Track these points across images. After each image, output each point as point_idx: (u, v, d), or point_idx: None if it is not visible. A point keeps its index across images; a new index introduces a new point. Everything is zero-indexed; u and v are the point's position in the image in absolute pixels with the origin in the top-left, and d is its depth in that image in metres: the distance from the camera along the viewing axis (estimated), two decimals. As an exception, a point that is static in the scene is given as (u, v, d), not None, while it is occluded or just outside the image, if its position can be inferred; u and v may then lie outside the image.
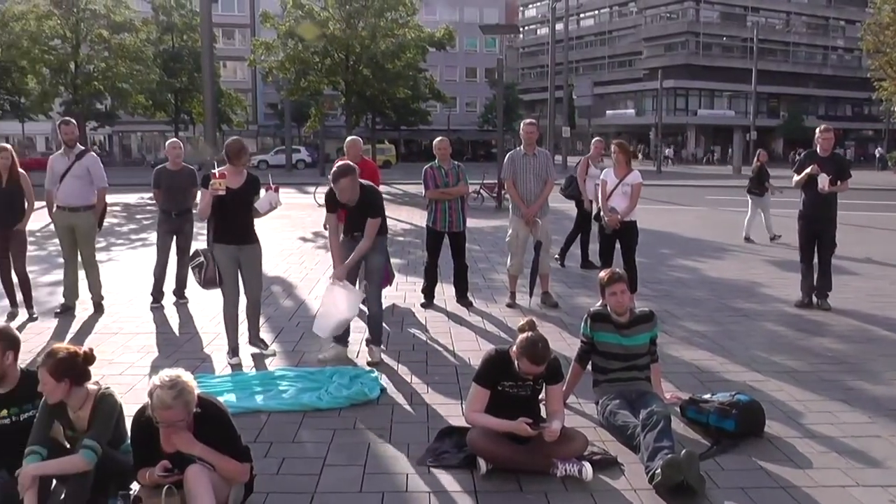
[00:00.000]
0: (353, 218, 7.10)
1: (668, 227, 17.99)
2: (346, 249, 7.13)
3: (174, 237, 9.65)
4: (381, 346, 7.26)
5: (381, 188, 7.82)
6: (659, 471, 4.38)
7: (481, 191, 24.98)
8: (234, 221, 7.04)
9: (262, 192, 7.19)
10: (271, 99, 66.86)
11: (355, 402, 5.92)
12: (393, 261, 10.46)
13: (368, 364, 6.92)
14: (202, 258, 6.99)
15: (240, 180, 7.02)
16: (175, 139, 10.15)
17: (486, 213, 21.51)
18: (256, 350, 7.35)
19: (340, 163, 7.07)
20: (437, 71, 63.19)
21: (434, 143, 9.38)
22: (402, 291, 10.21)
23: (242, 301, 7.23)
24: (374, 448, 5.14)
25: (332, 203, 7.11)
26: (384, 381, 6.44)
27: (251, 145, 68.41)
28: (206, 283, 7.03)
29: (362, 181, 6.98)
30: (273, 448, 5.16)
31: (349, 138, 9.67)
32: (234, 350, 7.16)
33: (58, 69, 40.19)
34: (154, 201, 10.12)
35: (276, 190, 7.25)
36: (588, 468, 4.60)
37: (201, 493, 3.70)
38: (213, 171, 6.90)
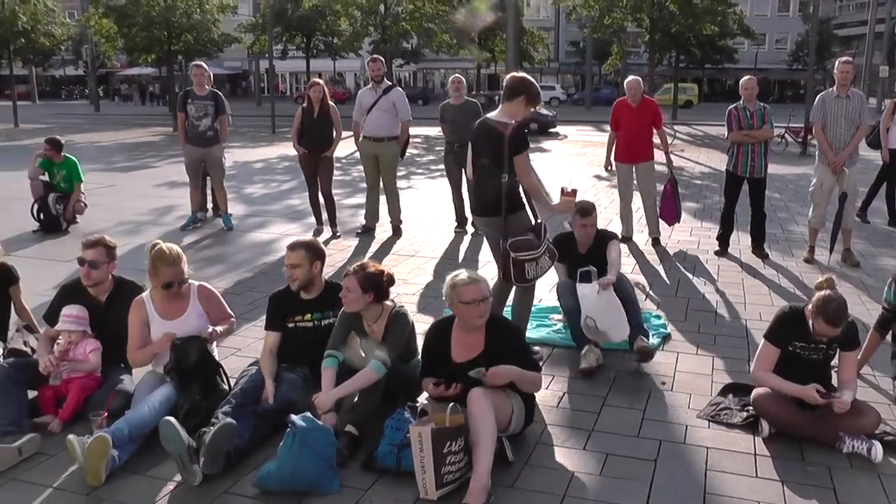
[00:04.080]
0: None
1: None
2: None
3: (461, 168, 9.93)
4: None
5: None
6: None
7: (786, 135, 23.34)
8: None
9: None
10: (573, 37, 66.41)
11: (620, 349, 5.76)
12: (688, 204, 10.11)
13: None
14: (544, 249, 5.26)
15: None
16: (457, 75, 10.40)
17: (790, 158, 20.10)
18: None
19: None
20: (748, 5, 59.09)
21: (741, 82, 8.84)
22: (696, 237, 9.85)
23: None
24: (656, 394, 5.03)
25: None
26: (669, 327, 6.26)
27: (551, 82, 68.64)
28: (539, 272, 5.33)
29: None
30: (554, 381, 5.21)
31: (630, 77, 9.42)
32: None
33: (368, 11, 42.37)
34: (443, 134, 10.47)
35: None
36: (878, 448, 4.17)
37: (483, 416, 3.80)
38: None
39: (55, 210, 10.42)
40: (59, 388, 4.67)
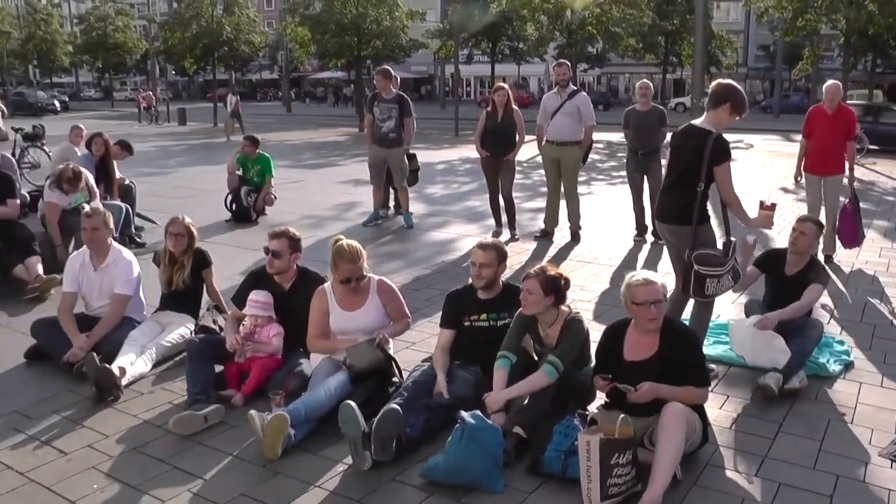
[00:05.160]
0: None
1: None
2: None
3: (643, 176, 9.72)
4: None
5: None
6: None
7: None
8: None
9: None
10: (764, 40, 63.74)
11: (817, 374, 5.38)
12: (878, 223, 9.41)
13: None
14: (729, 267, 5.06)
15: None
16: (645, 80, 10.16)
17: None
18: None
19: None
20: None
21: None
22: (886, 258, 9.05)
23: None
24: (835, 425, 4.66)
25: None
26: (853, 354, 5.78)
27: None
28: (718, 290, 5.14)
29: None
30: (728, 402, 4.96)
31: (830, 81, 8.82)
32: None
33: (555, 16, 42.48)
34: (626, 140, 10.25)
35: None
36: None
37: (675, 432, 3.73)
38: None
39: (246, 202, 11.04)
40: (243, 365, 4.96)
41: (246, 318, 5.12)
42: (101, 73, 75.24)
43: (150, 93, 45.73)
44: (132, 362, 5.11)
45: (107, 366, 4.83)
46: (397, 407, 4.03)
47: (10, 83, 65.60)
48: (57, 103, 53.09)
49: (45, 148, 15.37)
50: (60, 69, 72.31)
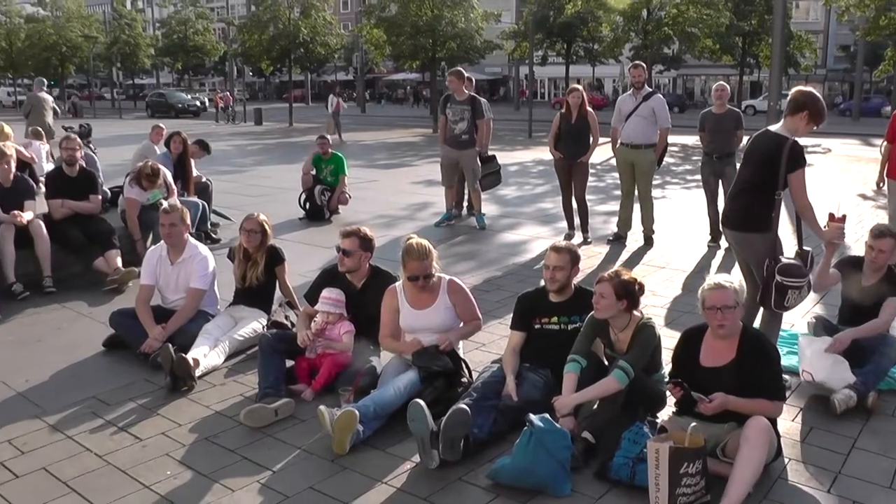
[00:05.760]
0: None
1: None
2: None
3: (718, 180, 9.50)
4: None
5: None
6: None
7: None
8: None
9: None
10: (844, 41, 61.93)
11: (894, 389, 5.14)
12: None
13: None
14: (804, 279, 4.92)
15: None
16: (721, 82, 9.94)
17: None
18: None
19: None
20: None
21: None
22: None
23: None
24: (913, 444, 4.47)
25: None
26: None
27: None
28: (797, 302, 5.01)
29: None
30: (801, 414, 4.80)
31: None
32: None
33: (630, 17, 42.12)
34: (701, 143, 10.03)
35: None
36: None
37: (758, 445, 3.67)
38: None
39: (320, 201, 11.17)
40: (313, 361, 5.03)
41: (317, 315, 5.17)
42: (181, 75, 77.23)
43: (228, 93, 46.80)
44: (205, 354, 5.23)
45: (182, 355, 4.96)
46: (466, 407, 4.02)
47: (94, 84, 67.74)
48: (199, 104, 53.25)
49: (91, 146, 15.79)
50: (142, 71, 74.44)
